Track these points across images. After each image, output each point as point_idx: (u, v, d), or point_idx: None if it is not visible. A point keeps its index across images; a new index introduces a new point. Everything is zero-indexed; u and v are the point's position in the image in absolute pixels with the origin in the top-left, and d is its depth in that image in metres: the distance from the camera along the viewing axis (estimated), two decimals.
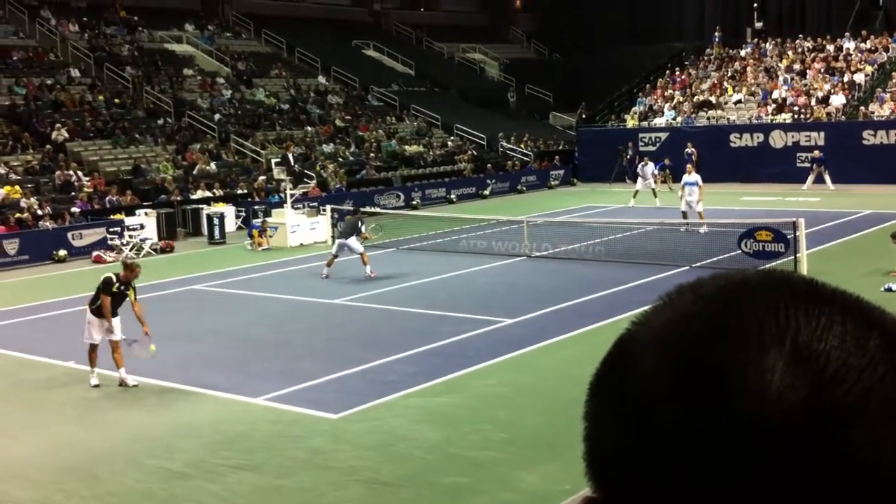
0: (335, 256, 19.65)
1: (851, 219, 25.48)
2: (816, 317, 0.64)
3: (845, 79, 39.05)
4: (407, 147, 39.29)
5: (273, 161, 29.14)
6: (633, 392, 0.65)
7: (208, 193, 29.89)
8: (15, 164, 28.82)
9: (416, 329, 14.88)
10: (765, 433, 0.60)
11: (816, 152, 33.82)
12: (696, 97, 41.48)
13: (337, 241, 20.23)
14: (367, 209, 28.35)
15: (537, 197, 35.66)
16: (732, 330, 0.64)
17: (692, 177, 24.19)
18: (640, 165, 31.52)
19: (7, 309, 17.71)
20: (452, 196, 35.07)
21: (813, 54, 41.98)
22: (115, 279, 12.32)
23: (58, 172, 28.64)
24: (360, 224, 19.91)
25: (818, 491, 0.60)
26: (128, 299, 12.38)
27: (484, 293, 17.65)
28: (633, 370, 0.66)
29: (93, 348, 12.27)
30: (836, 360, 0.62)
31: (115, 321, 12.32)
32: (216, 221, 26.53)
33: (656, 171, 31.95)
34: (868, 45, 41.36)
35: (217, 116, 36.26)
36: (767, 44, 44.36)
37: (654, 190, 30.06)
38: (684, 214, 23.98)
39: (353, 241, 19.47)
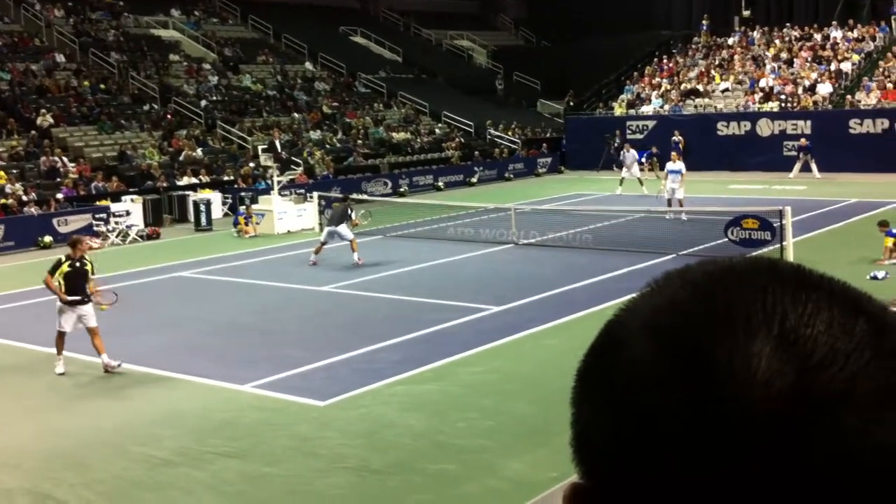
0: (323, 244, 19.63)
1: (838, 207, 25.59)
2: (803, 302, 0.64)
3: (832, 67, 39.15)
4: (394, 134, 39.21)
5: (260, 148, 29.07)
6: (621, 378, 0.65)
7: (195, 180, 29.77)
8: (0, 149, 28.64)
9: (403, 316, 14.88)
10: (751, 420, 0.60)
11: (803, 140, 33.91)
12: (683, 85, 41.52)
13: (326, 228, 20.16)
14: (355, 196, 28.33)
15: (525, 184, 35.67)
16: (719, 315, 0.64)
17: (676, 165, 24.36)
18: (622, 152, 31.69)
19: None
20: (440, 183, 35.03)
21: (800, 43, 42.06)
22: (63, 258, 12.36)
23: (43, 158, 28.48)
24: (349, 211, 19.88)
25: (805, 478, 0.60)
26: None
27: (471, 281, 17.65)
28: (621, 356, 0.66)
29: (60, 336, 12.22)
30: (822, 345, 0.62)
31: (87, 308, 12.25)
32: (202, 208, 26.44)
33: (640, 159, 31.95)
34: (855, 34, 41.46)
35: (203, 102, 36.09)
36: (755, 32, 44.41)
37: (639, 178, 30.12)
38: (669, 202, 24.06)
39: (343, 229, 19.43)
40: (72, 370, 12.41)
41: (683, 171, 24.19)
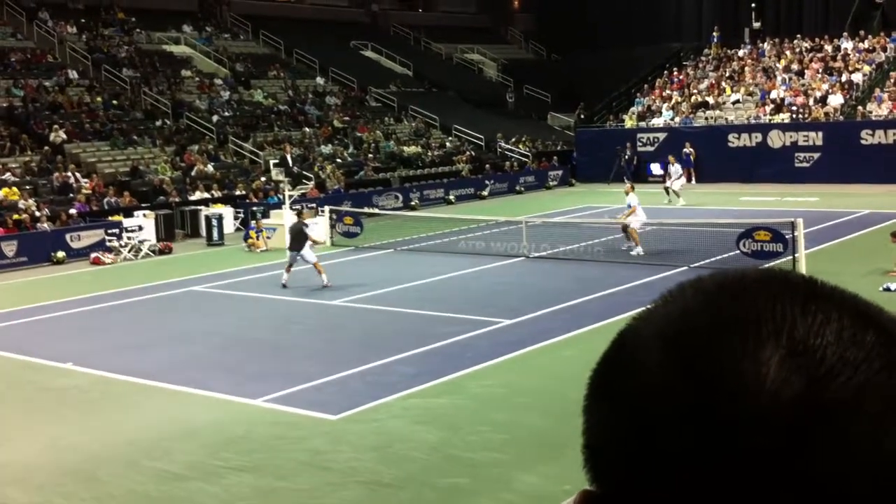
0: (290, 265, 18.71)
1: (850, 218, 25.49)
2: (813, 313, 0.64)
3: (843, 79, 39.06)
4: (405, 148, 39.28)
5: (271, 162, 29.15)
6: (632, 386, 0.66)
7: (206, 195, 29.87)
8: (13, 165, 28.81)
9: (415, 330, 14.87)
10: (759, 428, 0.60)
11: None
12: (693, 97, 41.48)
13: (289, 252, 18.91)
14: (366, 210, 28.37)
15: (536, 197, 35.65)
16: (730, 325, 0.64)
17: (628, 197, 21.44)
18: (668, 166, 31.79)
19: (5, 311, 17.68)
20: (451, 197, 35.05)
21: (811, 54, 42.00)
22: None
23: (56, 174, 28.63)
24: (304, 229, 18.90)
25: (812, 487, 0.60)
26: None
27: (483, 294, 17.64)
28: (633, 365, 0.67)
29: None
30: (831, 355, 0.62)
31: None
32: (214, 223, 26.51)
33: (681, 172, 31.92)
34: (866, 44, 41.39)
35: (215, 118, 36.25)
36: (765, 44, 44.40)
37: (676, 192, 30.44)
38: (624, 228, 21.59)
39: (305, 252, 18.61)
40: (83, 385, 12.44)
41: (633, 203, 21.13)
